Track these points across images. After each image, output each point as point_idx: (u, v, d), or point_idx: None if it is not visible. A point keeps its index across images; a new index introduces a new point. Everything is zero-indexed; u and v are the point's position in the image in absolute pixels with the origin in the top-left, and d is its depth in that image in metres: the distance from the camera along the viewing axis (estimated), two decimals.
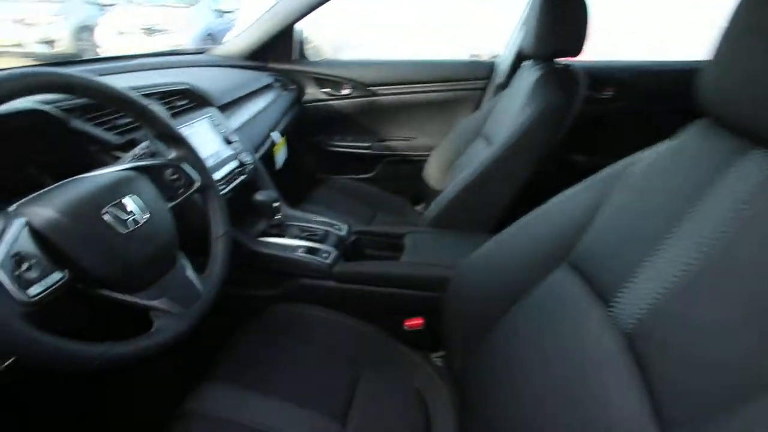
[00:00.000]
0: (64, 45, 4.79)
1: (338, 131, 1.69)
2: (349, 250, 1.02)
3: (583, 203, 0.57)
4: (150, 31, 4.87)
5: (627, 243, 0.49)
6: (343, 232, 1.04)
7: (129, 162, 0.59)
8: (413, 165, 1.63)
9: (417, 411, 0.68)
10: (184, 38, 4.71)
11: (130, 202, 0.51)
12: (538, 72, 1.12)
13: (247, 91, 1.27)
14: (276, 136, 1.30)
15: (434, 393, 0.72)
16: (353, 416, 0.64)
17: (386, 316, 0.87)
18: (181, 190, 0.63)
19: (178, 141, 0.65)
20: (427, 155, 1.50)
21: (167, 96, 0.87)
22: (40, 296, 0.40)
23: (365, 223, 1.29)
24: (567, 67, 1.14)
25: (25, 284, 0.39)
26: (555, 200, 0.63)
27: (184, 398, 0.63)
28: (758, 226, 0.38)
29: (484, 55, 1.77)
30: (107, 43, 4.80)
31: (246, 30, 1.48)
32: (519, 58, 1.47)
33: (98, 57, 2.06)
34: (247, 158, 0.98)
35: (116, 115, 0.68)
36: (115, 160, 0.63)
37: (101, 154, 0.64)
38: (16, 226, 0.41)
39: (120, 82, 0.59)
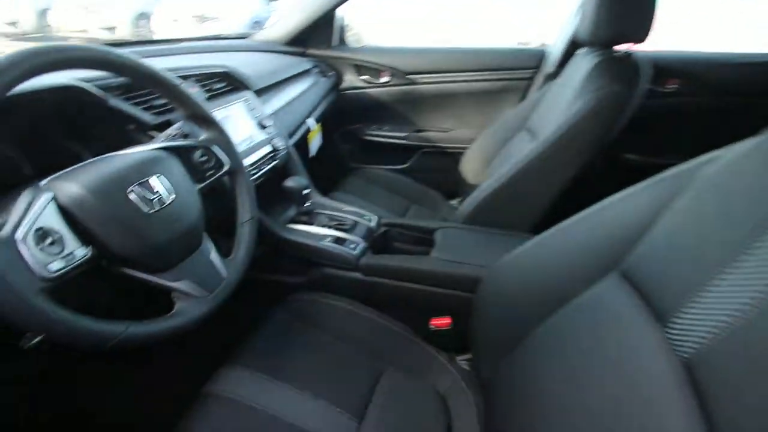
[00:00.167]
0: (123, 31, 5.27)
1: (375, 120, 1.65)
2: (377, 242, 1.00)
3: (640, 206, 0.51)
4: (202, 18, 5.13)
5: (693, 255, 0.42)
6: (373, 224, 1.01)
7: (160, 142, 0.59)
8: (450, 158, 1.57)
9: (438, 418, 0.65)
10: (233, 25, 4.88)
11: (156, 182, 0.51)
12: (595, 60, 1.01)
13: (285, 76, 1.26)
14: (311, 122, 1.28)
15: (458, 400, 0.69)
16: (371, 415, 0.62)
17: (412, 313, 0.84)
18: (210, 173, 0.63)
19: (209, 123, 0.64)
20: (465, 148, 1.43)
21: (205, 78, 0.88)
22: (61, 272, 0.40)
23: (397, 215, 1.26)
24: (628, 54, 1.02)
25: (47, 259, 0.40)
26: (607, 202, 0.57)
27: (206, 380, 0.63)
28: None
29: (533, 43, 1.67)
30: (162, 30, 5.15)
31: (287, 15, 1.48)
32: (573, 46, 1.35)
33: (145, 40, 2.14)
34: (280, 143, 0.98)
35: (153, 96, 0.69)
36: (151, 139, 0.63)
37: (137, 133, 0.65)
38: (43, 200, 0.42)
39: (162, 63, 0.59)
